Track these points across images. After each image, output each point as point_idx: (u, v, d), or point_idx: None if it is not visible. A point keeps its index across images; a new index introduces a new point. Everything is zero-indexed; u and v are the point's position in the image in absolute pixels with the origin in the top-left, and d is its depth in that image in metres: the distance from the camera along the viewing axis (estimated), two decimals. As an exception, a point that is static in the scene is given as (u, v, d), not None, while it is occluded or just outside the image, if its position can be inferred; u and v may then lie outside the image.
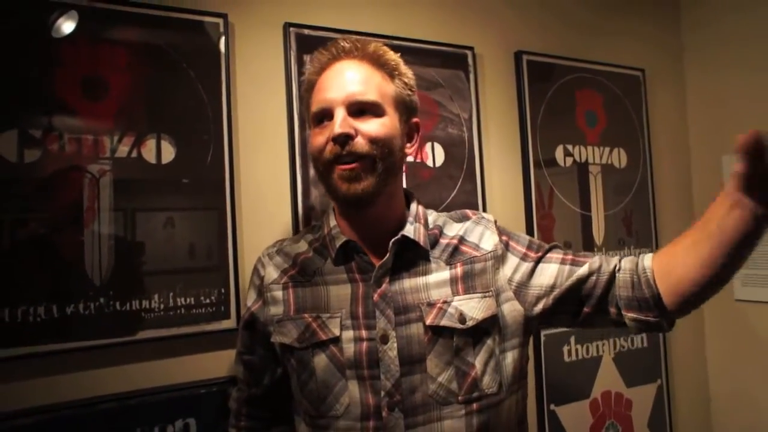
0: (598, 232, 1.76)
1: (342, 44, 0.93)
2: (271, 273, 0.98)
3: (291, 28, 1.32)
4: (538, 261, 0.95)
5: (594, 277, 0.90)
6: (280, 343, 0.93)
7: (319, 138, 0.90)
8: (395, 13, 1.49)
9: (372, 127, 0.88)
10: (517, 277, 0.94)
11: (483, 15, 1.63)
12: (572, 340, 1.67)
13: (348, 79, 0.89)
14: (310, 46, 1.34)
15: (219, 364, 1.20)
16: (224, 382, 1.18)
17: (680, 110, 2.02)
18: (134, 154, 1.14)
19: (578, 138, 1.75)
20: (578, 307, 0.92)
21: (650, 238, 1.86)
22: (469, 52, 1.56)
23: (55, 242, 1.06)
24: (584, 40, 1.80)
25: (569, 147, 1.73)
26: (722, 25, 1.92)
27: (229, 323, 1.20)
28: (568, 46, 1.76)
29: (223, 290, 1.20)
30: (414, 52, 1.45)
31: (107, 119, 1.13)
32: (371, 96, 0.89)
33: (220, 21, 1.24)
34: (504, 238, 0.97)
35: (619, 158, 1.83)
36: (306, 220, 1.30)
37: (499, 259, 0.94)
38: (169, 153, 1.18)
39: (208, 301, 1.18)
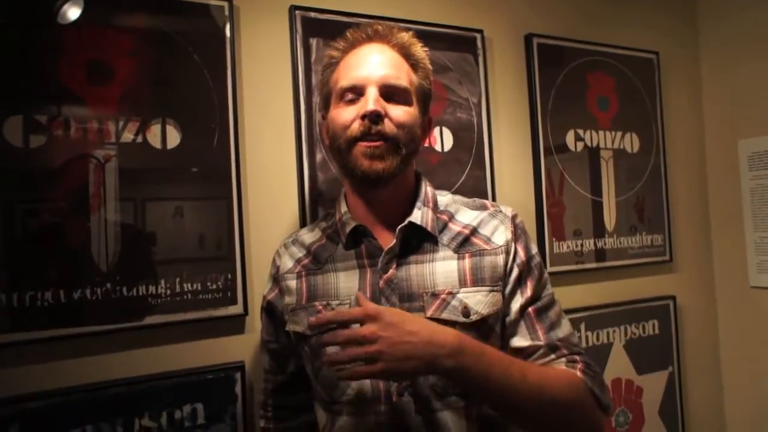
0: (610, 219, 1.74)
1: (377, 27, 0.94)
2: (287, 263, 1.00)
3: (297, 11, 1.30)
4: (519, 280, 0.92)
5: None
6: (293, 331, 0.95)
7: (346, 113, 0.89)
8: (403, -5, 1.46)
9: (401, 113, 0.89)
10: (505, 282, 0.92)
11: (492, -3, 1.60)
12: (582, 326, 1.66)
13: (382, 62, 0.90)
14: (317, 30, 1.32)
15: (226, 349, 1.20)
16: (231, 368, 1.18)
17: (695, 94, 1.97)
18: (139, 140, 1.14)
19: (590, 122, 1.72)
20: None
21: (663, 225, 1.83)
22: (478, 35, 1.53)
23: (62, 227, 1.06)
24: (596, 22, 1.76)
25: (580, 132, 1.70)
26: (739, 7, 1.87)
27: (236, 309, 1.19)
28: (579, 29, 1.72)
29: (230, 276, 1.19)
30: (421, 35, 1.39)
31: (112, 104, 1.12)
32: (404, 82, 0.90)
33: (225, 4, 1.23)
34: (517, 242, 0.93)
35: (631, 143, 1.79)
36: (313, 207, 1.29)
37: (508, 256, 0.92)
38: (174, 138, 1.17)
39: (215, 286, 1.18)
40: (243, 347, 1.22)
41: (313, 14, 1.32)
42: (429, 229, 0.92)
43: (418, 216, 0.92)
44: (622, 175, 1.76)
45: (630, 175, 1.78)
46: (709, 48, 1.96)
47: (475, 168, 1.50)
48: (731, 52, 1.89)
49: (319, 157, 1.31)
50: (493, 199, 1.52)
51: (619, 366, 1.71)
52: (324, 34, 1.33)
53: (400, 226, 0.90)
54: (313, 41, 1.32)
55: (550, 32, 1.66)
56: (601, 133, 1.74)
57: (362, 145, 0.87)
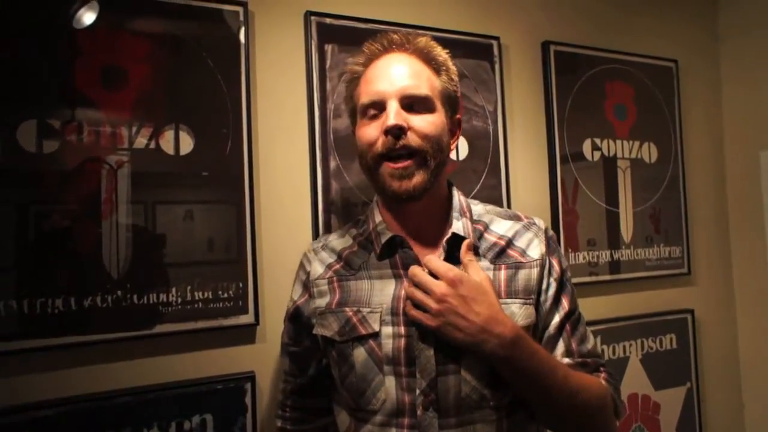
0: (627, 229, 1.70)
1: (393, 37, 0.93)
2: (317, 268, 0.98)
3: (312, 17, 1.29)
4: (556, 297, 0.93)
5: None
6: (321, 335, 0.94)
7: (370, 131, 0.89)
8: (419, 2, 1.45)
9: (424, 123, 0.88)
10: (543, 297, 0.93)
11: (509, 4, 1.58)
12: (599, 340, 1.62)
13: (400, 72, 0.89)
14: (332, 36, 1.31)
15: (236, 359, 1.18)
16: (241, 378, 1.16)
17: (715, 103, 1.94)
18: (152, 145, 1.13)
19: (607, 131, 1.69)
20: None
21: (681, 237, 1.79)
22: (494, 42, 1.51)
23: (73, 234, 1.05)
24: (614, 30, 1.74)
25: (597, 141, 1.67)
26: (760, 14, 1.83)
27: (247, 318, 1.18)
28: (597, 36, 1.70)
29: (241, 285, 1.18)
30: (438, 42, 1.40)
31: (126, 110, 1.11)
32: (424, 90, 0.89)
33: (240, 9, 1.22)
34: (551, 255, 0.95)
35: (649, 153, 1.76)
36: (326, 216, 1.27)
37: (543, 270, 0.93)
38: (187, 144, 1.16)
39: (226, 295, 1.16)
40: (254, 357, 1.20)
41: (328, 20, 1.31)
42: (471, 240, 0.92)
43: (459, 227, 0.92)
44: (639, 185, 1.73)
45: (647, 185, 1.75)
46: (730, 56, 1.92)
47: (490, 176, 1.48)
48: (752, 61, 1.86)
49: (333, 165, 1.29)
50: (508, 208, 1.49)
51: (635, 381, 1.67)
52: (339, 40, 1.32)
53: (446, 238, 0.90)
54: (328, 47, 1.31)
55: (567, 40, 1.64)
56: (618, 142, 1.71)
57: (389, 166, 0.87)
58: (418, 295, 0.82)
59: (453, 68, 0.96)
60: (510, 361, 0.80)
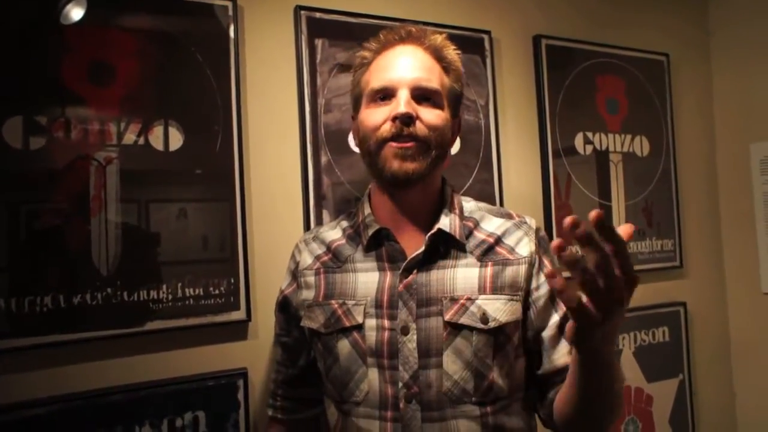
0: (619, 223, 1.70)
1: (411, 29, 0.94)
2: (306, 259, 0.99)
3: (302, 12, 1.28)
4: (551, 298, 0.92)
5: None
6: (308, 327, 0.95)
7: (376, 115, 0.89)
8: (409, -4, 1.44)
9: (432, 115, 0.89)
10: (533, 296, 0.93)
11: (500, -3, 1.57)
12: (591, 333, 1.62)
13: (414, 64, 0.90)
14: (322, 30, 1.30)
15: (228, 356, 1.18)
16: (234, 375, 1.16)
17: (706, 96, 1.94)
18: (141, 141, 1.12)
19: (599, 125, 1.69)
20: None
21: (673, 230, 1.80)
22: (486, 36, 1.51)
23: (62, 231, 1.04)
24: (605, 24, 1.74)
25: (589, 135, 1.67)
26: (750, 7, 1.84)
27: (238, 315, 1.17)
28: (588, 30, 1.70)
29: (232, 281, 1.17)
30: None
31: (114, 105, 1.10)
32: (435, 85, 0.90)
33: (229, 4, 1.21)
34: (541, 252, 0.94)
35: (641, 146, 1.76)
36: (317, 211, 1.27)
37: (532, 268, 0.92)
38: (176, 140, 1.15)
39: (217, 292, 1.16)
40: (246, 353, 1.19)
41: (318, 15, 1.30)
42: (457, 236, 0.92)
43: (446, 223, 0.92)
44: (631, 178, 1.73)
45: (640, 178, 1.75)
46: (720, 49, 1.93)
47: (482, 171, 1.48)
48: (742, 54, 1.86)
49: (324, 160, 1.28)
50: (501, 203, 1.50)
51: (628, 373, 1.68)
52: (329, 34, 1.31)
53: (429, 234, 0.90)
54: (319, 42, 1.30)
55: (558, 33, 1.63)
56: (610, 136, 1.71)
57: (393, 146, 0.86)
58: (602, 283, 0.59)
59: (461, 70, 0.97)
60: (609, 352, 0.74)
